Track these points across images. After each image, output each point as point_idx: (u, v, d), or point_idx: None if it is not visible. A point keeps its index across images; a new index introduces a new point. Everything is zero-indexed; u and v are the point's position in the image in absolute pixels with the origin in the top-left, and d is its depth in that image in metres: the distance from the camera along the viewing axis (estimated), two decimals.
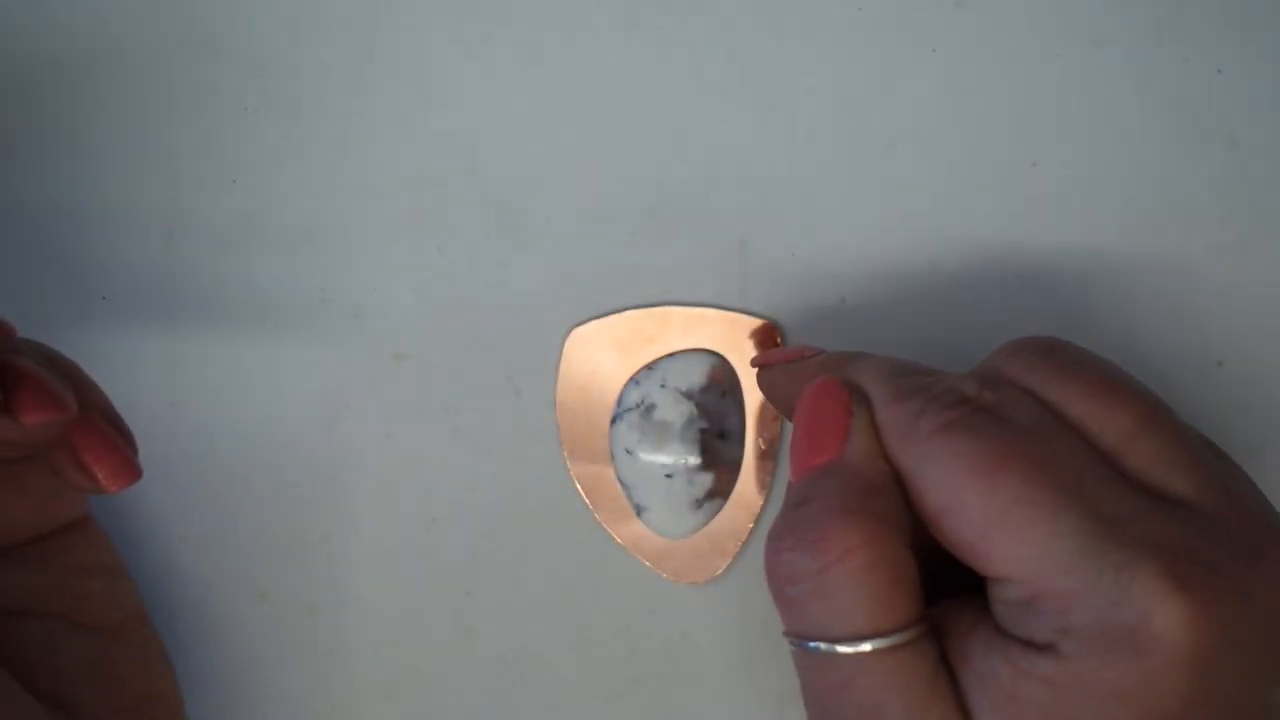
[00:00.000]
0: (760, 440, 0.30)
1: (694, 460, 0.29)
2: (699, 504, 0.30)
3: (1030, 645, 0.20)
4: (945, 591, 0.22)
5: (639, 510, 0.30)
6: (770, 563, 0.22)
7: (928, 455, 0.21)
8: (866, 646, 0.20)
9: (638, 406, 0.30)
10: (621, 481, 0.30)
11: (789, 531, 0.21)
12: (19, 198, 0.32)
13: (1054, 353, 0.23)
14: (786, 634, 0.22)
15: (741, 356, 0.30)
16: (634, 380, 0.30)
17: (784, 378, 0.26)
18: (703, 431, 0.29)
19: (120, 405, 0.31)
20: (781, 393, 0.26)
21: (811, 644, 0.21)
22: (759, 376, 0.28)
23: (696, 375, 0.30)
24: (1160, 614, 0.19)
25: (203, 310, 0.31)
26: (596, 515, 0.30)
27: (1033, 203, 0.30)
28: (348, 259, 0.31)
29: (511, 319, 0.31)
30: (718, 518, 0.30)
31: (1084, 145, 0.30)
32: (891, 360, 0.24)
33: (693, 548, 0.30)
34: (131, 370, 0.31)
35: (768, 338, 0.30)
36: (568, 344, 0.30)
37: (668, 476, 0.30)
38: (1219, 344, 0.29)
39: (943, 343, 0.30)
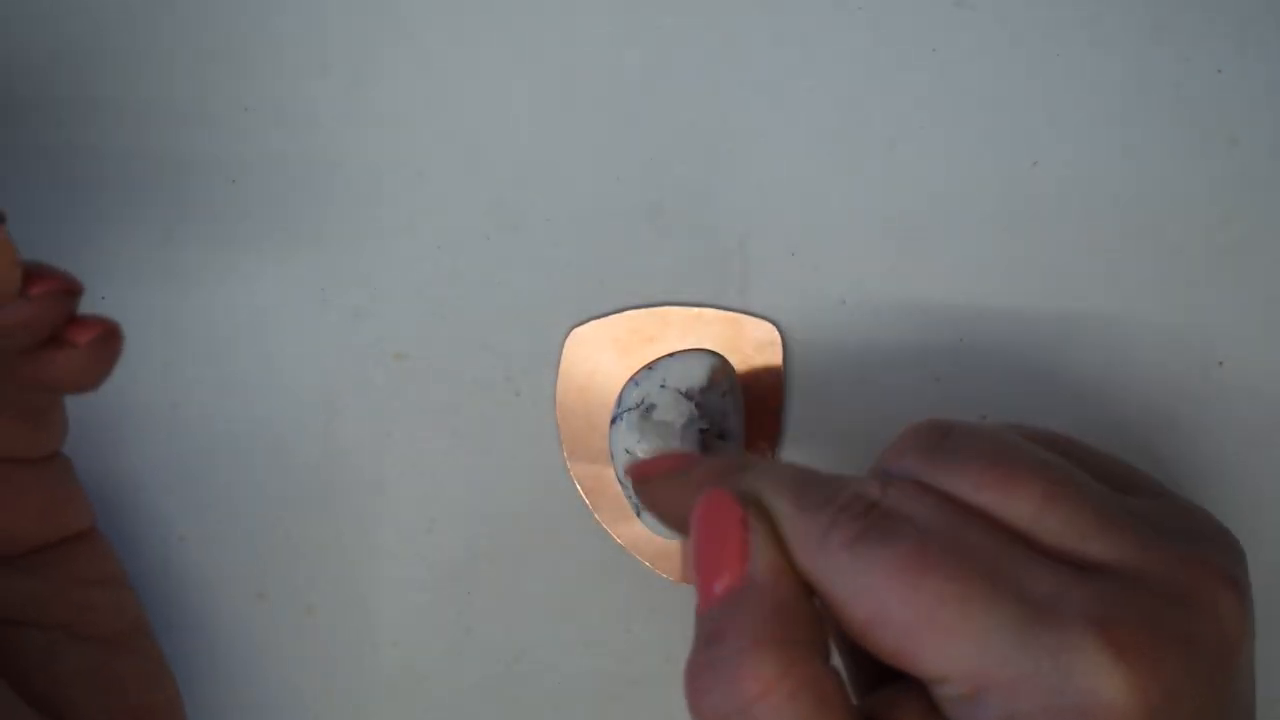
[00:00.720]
0: (760, 441, 0.30)
1: None
2: None
3: None
4: (887, 675, 0.22)
5: (639, 510, 0.30)
6: (693, 705, 0.21)
7: (842, 569, 0.20)
8: None
9: (638, 406, 0.30)
10: (621, 482, 0.30)
11: (705, 672, 0.21)
12: (18, 198, 0.31)
13: (939, 444, 0.22)
14: None
15: (742, 357, 0.30)
16: (634, 380, 0.30)
17: (667, 492, 0.24)
18: (703, 432, 0.29)
19: (120, 405, 0.31)
20: (668, 507, 0.24)
21: None
22: (636, 490, 0.26)
23: (696, 375, 0.30)
24: (1106, 687, 0.19)
25: (203, 310, 0.31)
26: (596, 515, 0.30)
27: (1033, 203, 0.30)
28: (348, 259, 0.31)
29: (511, 319, 0.31)
30: None
31: (1084, 145, 0.30)
32: (789, 468, 0.23)
33: None
34: (132, 370, 0.31)
35: (767, 337, 0.30)
36: (568, 344, 0.30)
37: None
38: (1219, 344, 0.29)
39: (941, 343, 0.30)
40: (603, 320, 0.30)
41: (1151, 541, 0.21)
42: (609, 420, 0.30)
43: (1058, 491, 0.21)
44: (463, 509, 0.31)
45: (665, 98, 0.30)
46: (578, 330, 0.30)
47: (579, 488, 0.30)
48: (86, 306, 0.31)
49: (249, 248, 0.31)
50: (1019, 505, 0.21)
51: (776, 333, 0.30)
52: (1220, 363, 0.29)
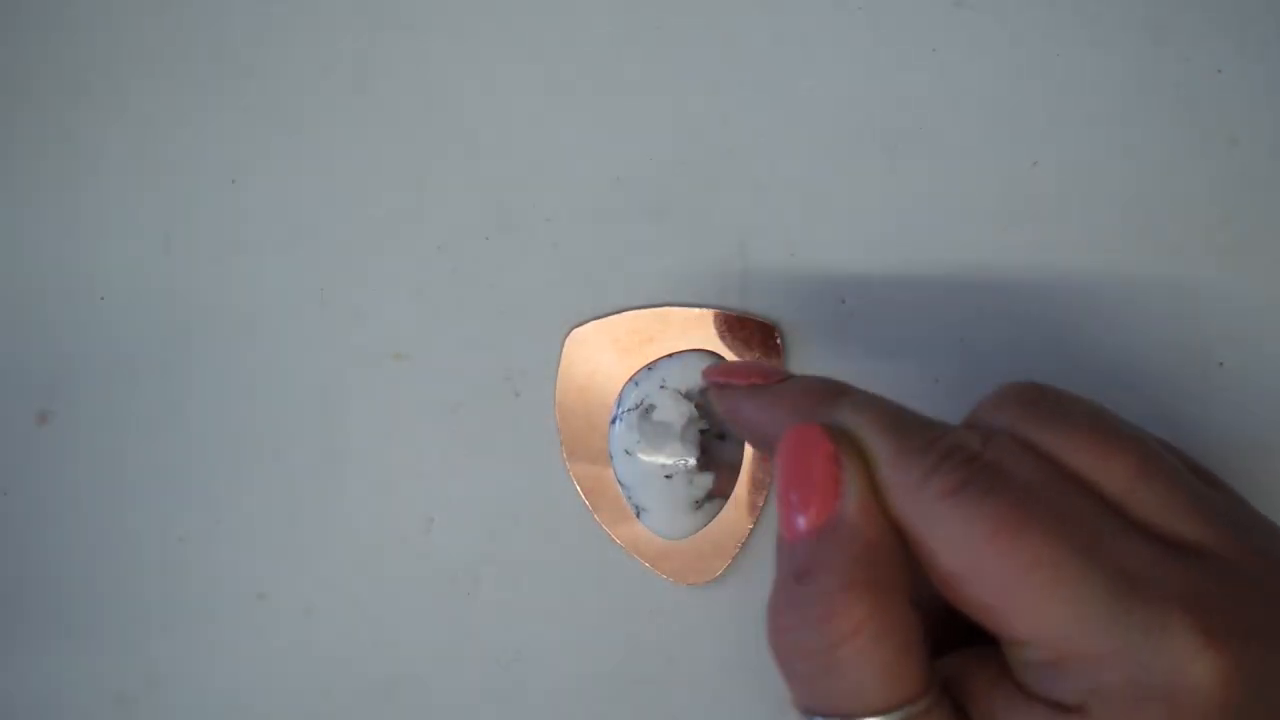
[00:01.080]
0: None
1: (694, 461, 0.29)
2: (699, 505, 0.30)
3: (1058, 706, 0.20)
4: (953, 637, 0.22)
5: (639, 511, 0.30)
6: (776, 641, 0.21)
7: (940, 517, 0.20)
8: None
9: (637, 407, 0.30)
10: (621, 482, 0.30)
11: (792, 609, 0.20)
12: (19, 198, 0.31)
13: (1038, 403, 0.22)
14: (792, 703, 0.21)
15: (742, 357, 0.30)
16: (633, 381, 0.30)
17: (753, 407, 0.24)
18: (702, 432, 0.29)
19: (120, 405, 0.31)
20: (749, 421, 0.24)
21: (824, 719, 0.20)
22: (715, 394, 0.25)
23: (696, 376, 0.30)
24: (1193, 670, 0.19)
25: (203, 310, 0.31)
26: (596, 516, 0.30)
27: (1033, 203, 0.30)
28: (348, 259, 0.31)
29: (511, 319, 0.31)
30: (718, 519, 0.30)
31: (1084, 145, 0.30)
32: (885, 405, 0.22)
33: (693, 549, 0.30)
34: (132, 370, 0.31)
35: (768, 338, 0.30)
36: (567, 344, 0.30)
37: (667, 477, 0.30)
38: (1219, 344, 0.29)
39: (942, 343, 0.30)
40: (603, 320, 0.30)
41: (1236, 532, 0.21)
42: (609, 420, 0.30)
43: (1153, 466, 0.21)
44: (463, 509, 0.31)
45: (665, 98, 0.30)
46: (578, 330, 0.30)
47: (579, 488, 0.30)
48: (86, 305, 0.31)
49: (249, 248, 0.31)
50: (1114, 473, 0.21)
51: (776, 333, 0.30)
52: (1220, 363, 0.29)
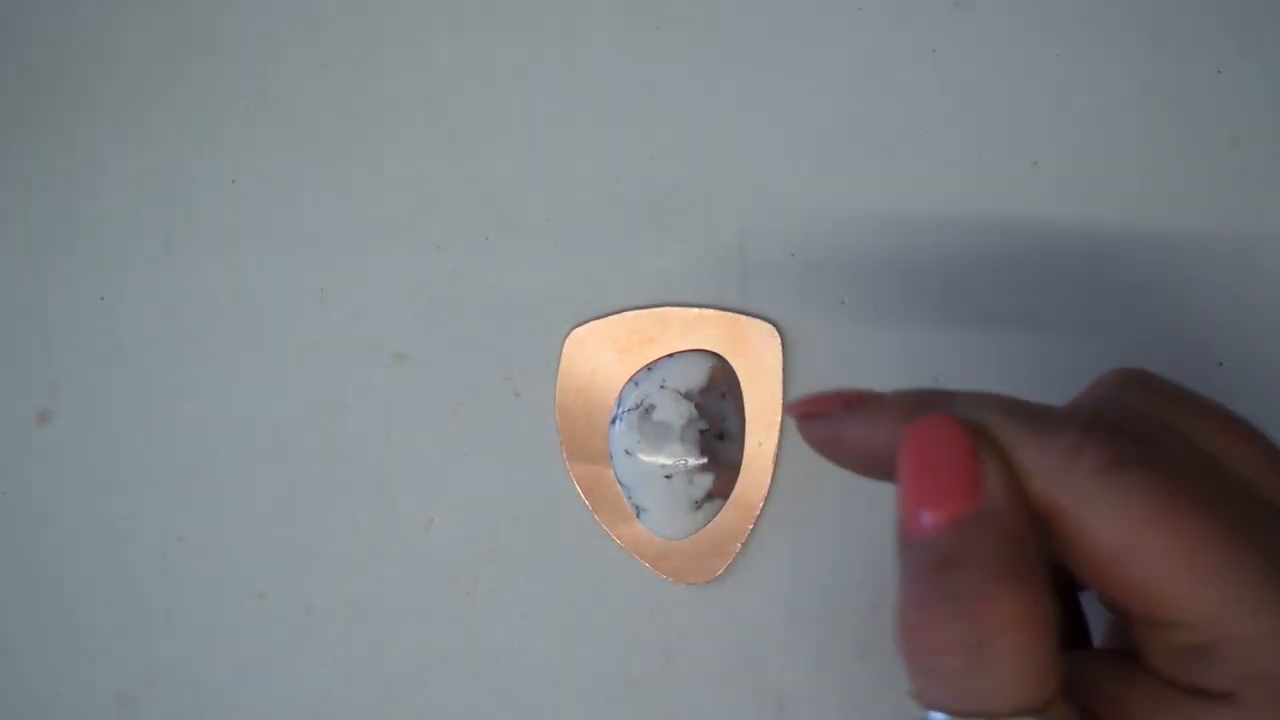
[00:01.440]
0: (759, 441, 0.30)
1: (694, 461, 0.29)
2: (698, 505, 0.30)
3: (1205, 694, 0.19)
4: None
5: (638, 511, 0.30)
6: (912, 637, 0.19)
7: (1093, 494, 0.19)
8: None
9: (637, 407, 0.30)
10: (621, 482, 0.30)
11: (939, 599, 0.19)
12: (19, 197, 0.32)
13: (1160, 386, 0.22)
14: (922, 703, 0.20)
15: (742, 357, 0.30)
16: (633, 381, 0.30)
17: (857, 425, 0.22)
18: (702, 432, 0.29)
19: (120, 405, 0.31)
20: (855, 441, 0.23)
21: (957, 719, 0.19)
22: (805, 426, 0.23)
23: (696, 376, 0.30)
24: None
25: (203, 310, 0.31)
26: (596, 516, 0.30)
27: (1033, 203, 0.30)
28: (348, 259, 0.31)
29: (511, 319, 0.31)
30: (717, 519, 0.30)
31: (1084, 145, 0.30)
32: (998, 395, 0.21)
33: (692, 548, 0.30)
34: (132, 370, 0.31)
35: (767, 337, 0.30)
36: (567, 344, 0.30)
37: (667, 477, 0.30)
38: (1219, 344, 0.29)
39: (941, 343, 0.30)
40: (603, 320, 0.30)
41: None
42: (609, 420, 0.30)
43: (1278, 456, 0.21)
44: (463, 509, 0.31)
45: (665, 97, 0.30)
46: (578, 330, 0.30)
47: (578, 488, 0.30)
48: (86, 305, 0.31)
49: (249, 248, 0.31)
50: (1249, 459, 0.20)
51: (776, 333, 0.30)
52: (1220, 363, 0.29)
